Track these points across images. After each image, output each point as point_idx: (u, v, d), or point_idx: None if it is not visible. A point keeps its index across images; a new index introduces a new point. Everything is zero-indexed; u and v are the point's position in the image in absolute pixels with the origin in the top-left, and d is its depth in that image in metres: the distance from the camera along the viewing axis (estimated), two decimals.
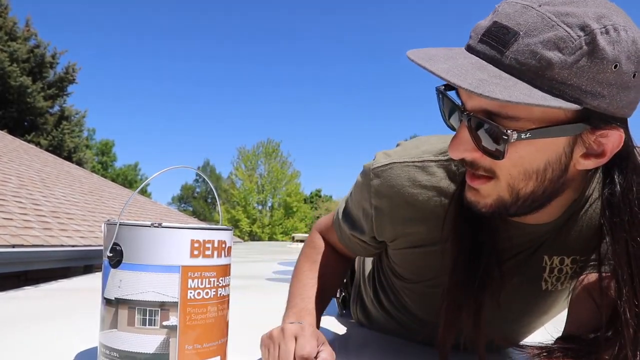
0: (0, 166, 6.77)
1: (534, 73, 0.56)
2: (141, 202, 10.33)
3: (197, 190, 41.38)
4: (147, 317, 0.62)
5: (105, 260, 0.64)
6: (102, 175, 20.71)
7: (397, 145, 0.85)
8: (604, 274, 0.70)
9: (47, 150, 13.27)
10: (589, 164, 0.64)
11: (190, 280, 0.62)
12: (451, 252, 0.74)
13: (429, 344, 0.98)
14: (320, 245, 1.00)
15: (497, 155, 0.61)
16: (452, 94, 0.66)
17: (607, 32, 0.56)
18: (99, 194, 8.93)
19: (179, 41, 60.32)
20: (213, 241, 0.65)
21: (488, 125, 0.60)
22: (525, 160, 0.62)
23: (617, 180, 0.65)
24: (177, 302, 0.62)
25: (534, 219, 0.74)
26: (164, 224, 0.63)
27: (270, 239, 26.33)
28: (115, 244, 0.63)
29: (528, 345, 0.73)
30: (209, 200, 38.95)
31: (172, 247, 0.62)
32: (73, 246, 4.92)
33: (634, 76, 0.58)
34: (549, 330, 0.78)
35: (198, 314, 0.63)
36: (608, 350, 0.66)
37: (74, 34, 55.65)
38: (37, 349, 0.83)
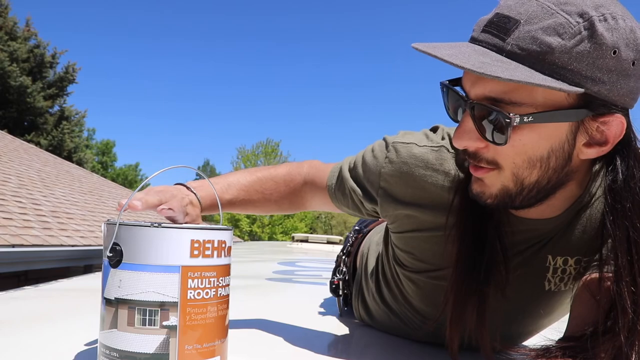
0: (0, 166, 6.77)
1: (535, 58, 0.58)
2: None
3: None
4: (147, 317, 0.62)
5: (105, 260, 0.64)
6: (102, 175, 20.71)
7: (421, 131, 0.85)
8: (604, 273, 0.70)
9: (47, 150, 13.28)
10: (592, 152, 0.65)
11: (190, 281, 0.62)
12: (455, 246, 0.74)
13: (430, 341, 0.98)
14: (297, 183, 0.98)
15: (501, 142, 0.62)
16: (456, 88, 0.68)
17: (605, 20, 0.59)
18: (99, 194, 8.92)
19: (179, 41, 60.37)
20: (213, 241, 0.64)
21: (491, 110, 0.61)
22: (529, 148, 0.63)
23: (619, 168, 0.66)
24: (177, 302, 0.61)
25: (538, 213, 0.74)
26: (163, 224, 0.63)
27: (270, 238, 26.32)
28: (115, 243, 0.63)
29: (526, 347, 0.73)
30: None
31: (171, 247, 0.62)
32: (73, 246, 4.92)
33: (633, 64, 0.60)
34: (548, 334, 0.78)
35: (198, 314, 0.63)
36: (604, 344, 0.65)
37: (74, 34, 55.70)
38: (37, 349, 0.83)
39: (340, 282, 1.22)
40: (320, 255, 3.62)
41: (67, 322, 1.07)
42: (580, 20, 0.58)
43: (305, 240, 5.68)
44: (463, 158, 0.72)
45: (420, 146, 0.80)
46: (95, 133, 30.90)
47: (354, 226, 1.36)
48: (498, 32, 0.61)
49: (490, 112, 0.61)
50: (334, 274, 1.28)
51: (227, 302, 0.68)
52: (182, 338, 0.61)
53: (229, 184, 0.95)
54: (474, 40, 0.64)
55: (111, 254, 0.63)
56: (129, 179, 33.05)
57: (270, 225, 27.74)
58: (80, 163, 15.80)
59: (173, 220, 0.77)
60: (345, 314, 1.26)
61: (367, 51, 60.87)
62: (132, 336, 0.62)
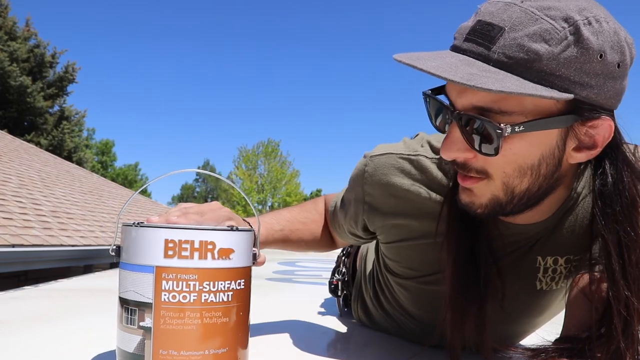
0: (0, 166, 6.77)
1: (523, 66, 0.57)
2: (141, 202, 10.33)
3: (197, 189, 41.37)
4: (130, 316, 0.61)
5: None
6: (102, 175, 20.70)
7: (402, 140, 0.86)
8: (596, 273, 0.70)
9: (47, 150, 13.27)
10: (582, 156, 0.64)
11: (164, 282, 0.60)
12: (449, 258, 0.74)
13: (429, 345, 0.98)
14: (320, 208, 1.04)
15: (492, 152, 0.61)
16: (441, 97, 0.66)
17: (589, 23, 0.58)
18: (99, 194, 8.92)
19: (179, 41, 60.35)
20: (192, 242, 0.60)
21: (481, 121, 0.60)
22: (519, 156, 0.62)
23: (608, 171, 0.66)
24: (151, 304, 0.60)
25: (526, 219, 0.74)
26: (144, 223, 0.62)
27: None
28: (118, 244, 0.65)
29: (524, 347, 0.73)
30: (209, 200, 38.95)
31: (147, 247, 0.61)
32: (73, 246, 4.92)
33: (618, 66, 0.60)
34: (546, 332, 0.78)
35: (173, 319, 0.59)
36: (601, 347, 0.65)
37: (74, 34, 55.68)
38: (37, 349, 0.83)
39: (340, 283, 1.23)
40: (320, 255, 3.62)
41: (67, 322, 1.07)
42: (566, 25, 0.57)
43: None
44: (452, 168, 0.71)
45: (397, 154, 0.80)
46: (95, 133, 30.86)
47: None
48: (483, 40, 0.59)
49: (479, 123, 0.60)
50: (333, 274, 1.28)
51: (227, 310, 0.62)
52: (156, 341, 0.59)
53: (276, 216, 0.98)
54: (457, 49, 0.62)
55: (113, 253, 0.65)
56: (129, 179, 33.05)
57: None
58: (80, 163, 15.80)
59: None
60: (345, 314, 1.26)
61: (368, 51, 60.87)
62: (120, 333, 0.63)
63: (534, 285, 0.82)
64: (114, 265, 4.86)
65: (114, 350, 0.65)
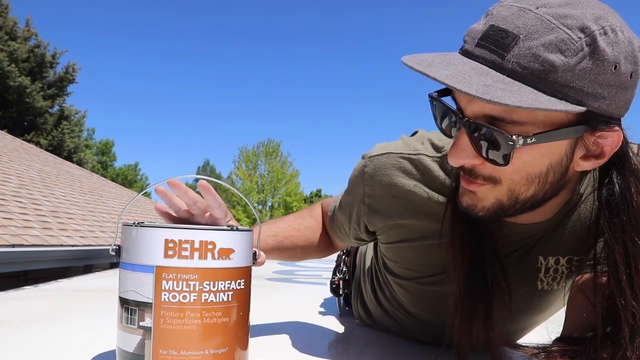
0: (0, 166, 6.77)
1: (537, 77, 0.56)
2: (142, 202, 10.33)
3: (197, 190, 41.30)
4: (129, 316, 0.61)
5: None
6: (102, 175, 20.70)
7: (400, 138, 0.85)
8: (598, 273, 0.69)
9: (47, 150, 13.27)
10: (589, 165, 0.64)
11: (164, 282, 0.60)
12: (455, 260, 0.73)
13: (429, 341, 0.98)
14: (316, 214, 1.03)
15: (501, 162, 0.60)
16: (447, 99, 0.65)
17: (605, 34, 0.56)
18: (99, 194, 8.92)
19: (179, 41, 60.37)
20: (192, 241, 0.60)
21: (492, 131, 0.59)
22: (528, 165, 0.61)
23: (615, 181, 0.65)
24: (151, 303, 0.60)
25: (528, 219, 0.74)
26: (145, 223, 0.62)
27: None
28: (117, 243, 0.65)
29: (526, 346, 0.73)
30: None
31: (147, 247, 0.61)
32: (73, 246, 4.92)
33: (630, 76, 0.59)
34: (548, 330, 0.78)
35: (174, 318, 0.59)
36: (605, 350, 0.65)
37: (74, 33, 55.70)
38: (37, 349, 0.83)
39: (341, 282, 1.22)
40: None
41: (67, 322, 1.07)
42: (582, 35, 0.56)
43: None
44: (455, 170, 0.71)
45: (397, 154, 0.79)
46: (94, 133, 30.88)
47: None
48: (496, 47, 0.57)
49: (490, 132, 0.59)
50: (334, 273, 1.28)
51: (227, 310, 0.62)
52: (156, 341, 0.59)
53: (269, 225, 0.98)
54: (468, 54, 0.60)
55: (114, 253, 0.65)
56: (129, 179, 33.05)
57: None
58: (80, 163, 15.80)
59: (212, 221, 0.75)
60: (345, 314, 1.26)
61: (368, 51, 60.91)
62: (121, 333, 0.63)
63: (536, 286, 0.82)
64: (114, 265, 4.86)
65: (114, 350, 0.65)
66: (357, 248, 1.23)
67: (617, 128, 0.61)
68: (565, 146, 0.61)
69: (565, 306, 0.80)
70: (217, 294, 0.61)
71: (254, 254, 0.68)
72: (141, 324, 0.60)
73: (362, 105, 61.33)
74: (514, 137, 0.57)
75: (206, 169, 40.56)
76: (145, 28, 58.96)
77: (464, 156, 0.62)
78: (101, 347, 0.81)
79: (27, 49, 15.30)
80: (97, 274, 2.27)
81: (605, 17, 0.58)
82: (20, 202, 5.43)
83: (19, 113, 14.75)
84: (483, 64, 0.58)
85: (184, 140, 65.00)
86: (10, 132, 12.59)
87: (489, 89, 0.54)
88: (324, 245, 1.02)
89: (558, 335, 0.74)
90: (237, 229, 0.64)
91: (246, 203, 27.46)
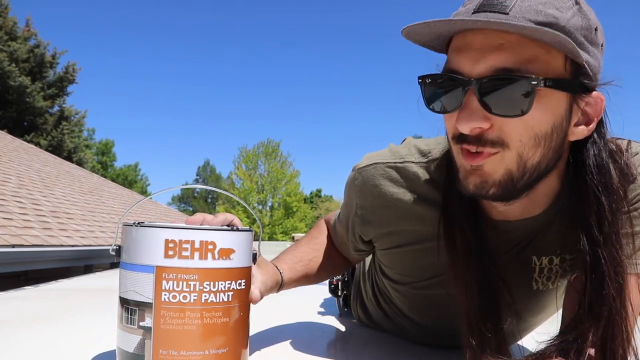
0: (0, 166, 6.77)
1: (545, 27, 0.59)
2: (142, 202, 10.32)
3: (197, 190, 41.36)
4: (130, 316, 0.61)
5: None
6: (102, 175, 20.68)
7: (387, 147, 0.86)
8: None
9: (47, 150, 13.26)
10: (580, 131, 0.66)
11: (164, 282, 0.60)
12: (461, 281, 0.72)
13: (428, 343, 0.99)
14: (324, 230, 1.02)
15: (518, 113, 0.60)
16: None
17: (580, 2, 0.63)
18: (99, 194, 8.92)
19: (179, 41, 60.35)
20: (192, 242, 0.60)
21: (510, 80, 0.59)
22: (536, 122, 0.62)
23: (598, 143, 0.68)
24: (151, 303, 0.60)
25: (520, 212, 0.73)
26: (145, 223, 0.62)
27: (270, 239, 26.30)
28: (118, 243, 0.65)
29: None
30: (209, 201, 38.99)
31: (147, 247, 0.61)
32: (73, 246, 4.92)
33: (601, 46, 0.65)
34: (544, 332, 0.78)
35: (174, 318, 0.59)
36: (589, 330, 0.65)
37: (74, 33, 55.68)
38: (37, 349, 0.83)
39: (340, 283, 1.23)
40: None
41: (67, 322, 1.07)
42: None
43: None
44: (457, 151, 0.68)
45: (384, 164, 0.80)
46: (94, 133, 30.85)
47: None
48: (498, 10, 0.60)
49: (506, 84, 0.59)
50: None
51: (227, 310, 0.62)
52: (156, 341, 0.59)
53: (290, 254, 0.96)
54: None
55: (114, 253, 0.65)
56: (129, 179, 33.05)
57: (270, 226, 27.73)
58: (80, 163, 15.79)
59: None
60: (344, 314, 1.26)
61: (369, 51, 60.92)
62: (121, 333, 0.63)
63: (531, 286, 0.82)
64: (114, 265, 4.86)
65: (114, 350, 0.65)
66: None
67: (599, 92, 0.65)
68: (564, 105, 0.63)
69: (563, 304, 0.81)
70: (218, 294, 0.61)
71: (255, 254, 0.68)
72: (141, 324, 0.60)
73: (362, 105, 61.35)
74: (534, 77, 0.59)
75: (206, 169, 40.58)
76: (145, 28, 58.98)
77: (476, 118, 0.61)
78: (101, 347, 0.81)
79: (27, 49, 15.29)
80: (97, 274, 2.27)
81: None
82: (20, 202, 5.43)
83: (19, 113, 14.74)
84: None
85: (184, 140, 65.02)
86: (10, 132, 12.58)
87: (510, 23, 0.56)
88: (340, 259, 1.01)
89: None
90: (238, 229, 0.64)
91: (246, 203, 27.39)
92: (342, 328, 1.13)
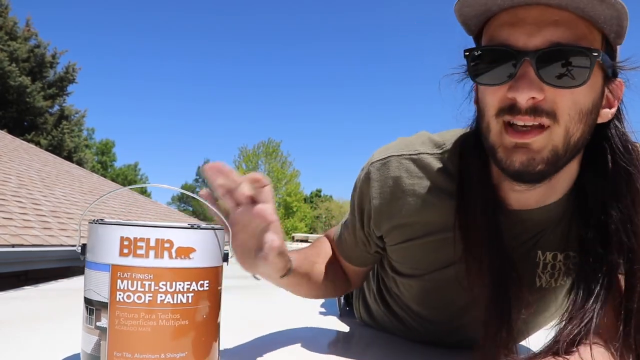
0: (0, 166, 6.77)
1: None
2: (141, 202, 10.34)
3: (197, 190, 41.28)
4: (89, 316, 0.60)
5: None
6: (102, 175, 20.69)
7: (397, 140, 0.86)
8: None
9: (47, 150, 13.27)
10: (605, 114, 0.69)
11: (119, 281, 0.57)
12: (475, 272, 0.73)
13: (432, 343, 0.98)
14: (325, 240, 1.02)
15: (581, 82, 0.63)
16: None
17: None
18: (99, 194, 8.93)
19: (179, 41, 60.37)
20: (147, 240, 0.57)
21: (570, 52, 0.62)
22: (581, 97, 0.64)
23: (619, 127, 0.71)
24: (107, 303, 0.58)
25: (539, 199, 0.74)
26: (105, 220, 0.60)
27: None
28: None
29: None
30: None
31: (104, 245, 0.59)
32: (73, 246, 4.92)
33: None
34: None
35: (128, 319, 0.57)
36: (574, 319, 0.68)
37: (74, 33, 55.70)
38: (37, 349, 0.83)
39: None
40: None
41: (67, 322, 1.06)
42: None
43: (306, 240, 5.70)
44: (497, 127, 0.67)
45: (398, 156, 0.80)
46: (94, 133, 30.87)
47: None
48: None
49: (565, 56, 0.62)
50: None
51: (187, 313, 0.59)
52: (111, 342, 0.57)
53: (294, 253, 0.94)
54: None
55: (79, 251, 0.64)
56: (129, 179, 33.04)
57: None
58: (80, 163, 15.80)
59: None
60: (345, 314, 1.26)
61: (369, 51, 60.92)
62: (82, 333, 0.61)
63: (534, 282, 0.82)
64: None
65: None
66: None
67: (619, 79, 0.68)
68: (601, 84, 0.66)
69: None
70: (175, 295, 0.58)
71: (226, 254, 0.64)
72: (97, 324, 0.58)
73: (362, 105, 61.37)
74: (594, 52, 0.62)
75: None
76: (145, 28, 59.00)
77: (534, 87, 0.63)
78: None
79: (27, 49, 15.31)
80: None
81: None
82: (20, 202, 5.43)
83: (19, 113, 14.76)
84: None
85: (184, 140, 64.98)
86: (10, 132, 12.59)
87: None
88: (341, 274, 0.99)
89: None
90: (199, 227, 0.60)
91: None
92: (343, 328, 1.13)
